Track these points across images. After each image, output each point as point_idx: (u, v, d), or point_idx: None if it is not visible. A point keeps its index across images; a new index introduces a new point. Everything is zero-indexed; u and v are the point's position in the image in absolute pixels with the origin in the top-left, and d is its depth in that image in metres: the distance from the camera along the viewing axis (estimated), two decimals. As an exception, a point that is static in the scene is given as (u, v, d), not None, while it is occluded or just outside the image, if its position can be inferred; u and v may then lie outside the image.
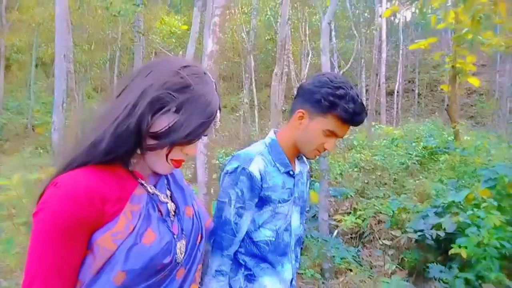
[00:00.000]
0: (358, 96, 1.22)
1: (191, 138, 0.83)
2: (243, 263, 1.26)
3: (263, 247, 1.26)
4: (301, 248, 1.40)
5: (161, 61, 0.89)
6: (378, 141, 10.35)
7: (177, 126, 0.81)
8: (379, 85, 14.90)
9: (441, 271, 3.81)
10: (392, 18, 15.09)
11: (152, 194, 0.89)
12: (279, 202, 1.25)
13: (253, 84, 15.23)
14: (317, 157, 1.30)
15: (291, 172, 1.30)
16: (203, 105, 0.83)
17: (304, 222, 1.40)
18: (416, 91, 21.49)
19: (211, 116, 0.85)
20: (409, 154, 8.43)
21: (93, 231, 0.78)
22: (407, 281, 4.02)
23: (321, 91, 1.21)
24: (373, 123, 11.86)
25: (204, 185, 2.74)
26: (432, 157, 8.58)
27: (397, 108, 17.28)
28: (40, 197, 0.79)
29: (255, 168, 1.22)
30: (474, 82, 9.62)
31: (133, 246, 0.78)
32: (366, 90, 16.21)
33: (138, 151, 0.86)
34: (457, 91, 10.12)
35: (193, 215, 0.96)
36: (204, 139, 2.90)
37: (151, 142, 0.83)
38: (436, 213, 4.85)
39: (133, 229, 0.80)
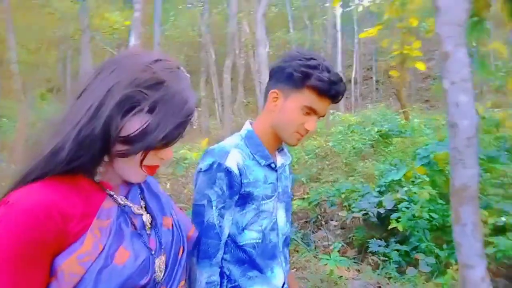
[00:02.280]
0: (331, 66, 1.14)
1: (167, 141, 0.74)
2: (227, 273, 1.13)
3: (250, 251, 1.13)
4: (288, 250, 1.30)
5: (128, 55, 0.80)
6: (335, 128, 10.67)
7: (151, 128, 0.72)
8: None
9: (379, 246, 4.05)
10: (346, 8, 15.47)
11: (124, 206, 0.79)
12: (262, 199, 1.14)
13: (214, 78, 15.19)
14: (300, 141, 1.18)
15: (272, 165, 1.18)
16: (180, 103, 0.74)
17: (290, 220, 1.29)
18: (374, 78, 22.20)
19: (189, 115, 0.75)
20: (364, 139, 8.76)
21: (55, 255, 0.67)
22: (354, 258, 4.24)
23: (292, 64, 1.12)
24: (331, 111, 12.18)
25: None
26: (385, 140, 8.96)
27: (355, 95, 17.79)
28: None
29: (232, 162, 1.09)
30: (421, 67, 10.11)
31: (103, 268, 0.69)
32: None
33: (106, 159, 0.76)
34: (405, 76, 10.58)
35: (172, 226, 0.86)
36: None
37: (121, 147, 0.73)
38: (380, 192, 5.14)
39: (103, 249, 0.70)
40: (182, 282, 0.87)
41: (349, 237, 4.94)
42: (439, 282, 3.36)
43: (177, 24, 16.02)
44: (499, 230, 3.63)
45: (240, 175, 1.10)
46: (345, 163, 7.42)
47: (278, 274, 1.19)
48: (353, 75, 17.57)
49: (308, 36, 15.71)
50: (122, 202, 0.79)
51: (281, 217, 1.22)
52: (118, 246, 0.72)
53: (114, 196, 0.78)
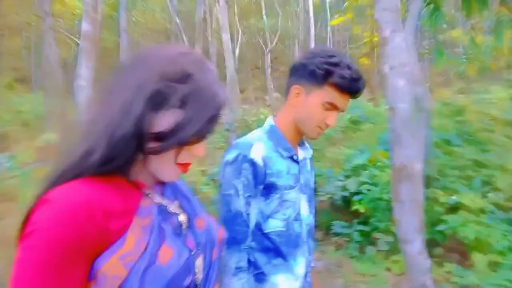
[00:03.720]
0: (352, 63, 1.17)
1: (200, 135, 0.72)
2: (253, 260, 1.18)
3: (274, 239, 1.18)
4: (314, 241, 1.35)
5: (153, 49, 0.78)
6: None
7: (184, 123, 0.70)
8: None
9: (343, 227, 4.21)
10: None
11: (160, 204, 0.77)
12: (285, 188, 1.19)
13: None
14: (320, 135, 1.22)
15: (294, 157, 1.23)
16: (210, 96, 0.72)
17: (314, 212, 1.33)
18: (348, 65, 22.29)
19: (220, 108, 0.73)
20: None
21: (95, 256, 0.64)
22: (319, 240, 4.37)
23: (314, 61, 1.16)
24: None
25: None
26: (355, 126, 9.16)
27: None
28: (27, 219, 0.65)
29: (257, 154, 1.15)
30: (389, 53, 10.34)
31: (147, 268, 0.66)
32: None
33: (140, 157, 0.73)
34: (375, 64, 10.79)
35: (205, 228, 0.84)
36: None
37: (154, 144, 0.70)
38: (346, 176, 5.29)
39: (146, 248, 0.67)
40: (216, 287, 0.84)
41: (315, 220, 5.08)
42: (397, 259, 3.54)
43: (145, 10, 15.65)
44: (454, 209, 3.84)
45: (264, 166, 1.15)
46: (315, 149, 7.55)
47: (300, 263, 1.23)
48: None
49: (281, 23, 15.70)
50: (158, 201, 0.77)
51: (304, 208, 1.26)
52: (160, 244, 0.70)
53: (150, 195, 0.76)
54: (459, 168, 4.96)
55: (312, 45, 15.20)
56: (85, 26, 2.58)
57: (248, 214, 1.14)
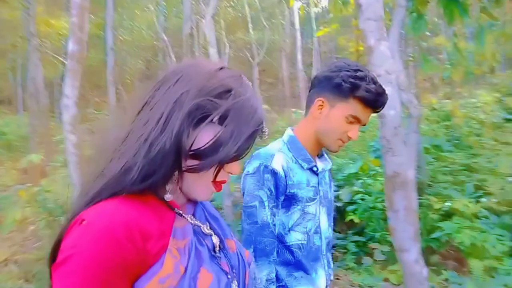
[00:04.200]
0: (376, 78, 1.19)
1: (240, 152, 0.69)
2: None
3: (296, 252, 1.18)
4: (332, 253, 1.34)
5: (190, 64, 0.75)
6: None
7: (224, 140, 0.66)
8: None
9: (337, 238, 4.15)
10: (307, 8, 15.76)
11: (194, 225, 0.74)
12: (306, 201, 1.18)
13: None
14: (341, 148, 1.23)
15: (314, 169, 1.23)
16: (250, 111, 0.69)
17: (332, 224, 1.32)
18: (336, 76, 22.56)
19: (260, 124, 0.71)
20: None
21: (135, 279, 0.61)
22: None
23: (340, 75, 1.16)
24: (293, 109, 12.36)
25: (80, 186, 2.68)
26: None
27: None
28: (61, 242, 0.62)
29: (278, 164, 1.15)
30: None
31: None
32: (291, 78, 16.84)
33: (175, 175, 0.70)
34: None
35: (236, 250, 0.81)
36: (73, 138, 2.83)
37: (192, 162, 0.67)
38: (338, 186, 5.26)
39: (185, 271, 0.64)
40: None
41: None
42: (394, 269, 3.49)
43: (133, 28, 15.70)
44: (448, 215, 3.83)
45: (285, 176, 1.15)
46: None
47: (321, 276, 1.23)
48: (313, 73, 17.98)
49: (267, 36, 15.86)
50: (192, 222, 0.73)
51: (324, 221, 1.25)
52: (199, 268, 0.67)
53: (183, 215, 0.72)
54: (451, 174, 4.99)
55: (299, 57, 15.35)
56: (72, 46, 2.55)
57: (274, 225, 1.14)
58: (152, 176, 0.65)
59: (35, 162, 5.24)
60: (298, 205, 1.17)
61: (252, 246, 1.13)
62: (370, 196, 4.27)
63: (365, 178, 4.61)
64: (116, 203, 0.63)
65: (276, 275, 1.16)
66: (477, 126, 6.95)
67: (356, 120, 1.18)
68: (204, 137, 0.66)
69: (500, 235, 3.26)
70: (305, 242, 1.19)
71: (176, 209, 0.72)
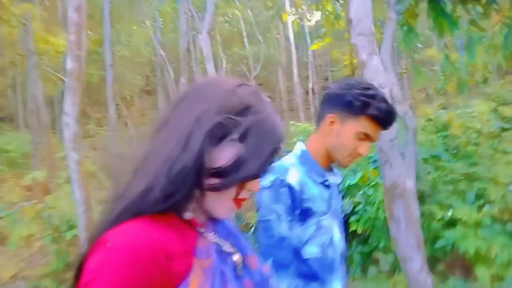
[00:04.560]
0: (386, 96, 1.23)
1: (262, 170, 0.69)
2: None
3: (312, 264, 1.20)
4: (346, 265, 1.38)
5: (209, 81, 0.75)
6: (297, 138, 10.87)
7: (246, 158, 0.66)
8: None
9: (341, 249, 4.15)
10: (301, 22, 16.01)
11: (217, 244, 0.73)
12: (320, 214, 1.21)
13: (173, 96, 15.03)
14: (351, 163, 1.27)
15: (326, 183, 1.26)
16: (271, 128, 0.69)
17: (344, 237, 1.35)
18: (332, 88, 22.73)
19: (280, 141, 0.70)
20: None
21: None
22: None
23: (352, 93, 1.20)
24: (292, 122, 12.41)
25: (83, 202, 2.70)
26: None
27: (314, 105, 18.30)
28: (83, 264, 0.61)
29: (293, 178, 1.18)
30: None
31: None
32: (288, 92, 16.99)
33: (196, 194, 0.69)
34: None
35: (258, 267, 0.80)
36: (75, 156, 2.86)
37: (214, 180, 0.67)
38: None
39: None
40: None
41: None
42: (399, 279, 3.49)
43: (130, 44, 15.87)
44: (451, 224, 3.84)
45: (300, 190, 1.17)
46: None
47: (337, 287, 1.25)
48: (310, 86, 18.11)
49: (263, 50, 16.06)
50: (214, 240, 0.72)
51: (337, 234, 1.28)
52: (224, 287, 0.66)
53: (205, 233, 0.71)
54: (451, 183, 5.01)
55: (295, 70, 15.51)
56: (70, 64, 2.60)
57: (290, 239, 1.16)
58: (174, 196, 0.64)
59: (38, 179, 5.25)
60: (312, 219, 1.20)
61: (271, 259, 1.15)
62: (371, 206, 4.29)
63: (366, 188, 4.63)
64: (139, 224, 0.63)
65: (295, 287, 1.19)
66: (474, 135, 6.99)
67: (366, 137, 1.21)
68: (225, 155, 0.66)
69: (504, 243, 3.27)
70: (321, 255, 1.21)
71: (198, 228, 0.71)
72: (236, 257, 0.75)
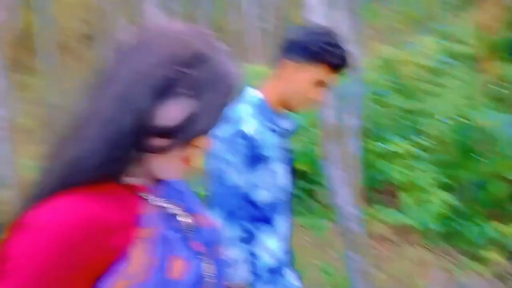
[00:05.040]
0: (342, 42, 1.23)
1: (214, 125, 0.62)
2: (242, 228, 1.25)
3: (262, 208, 1.25)
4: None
5: (155, 29, 0.65)
6: (250, 83, 10.76)
7: (197, 114, 0.59)
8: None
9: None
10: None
11: (161, 208, 0.67)
12: (273, 160, 1.24)
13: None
14: (307, 109, 1.29)
15: (279, 129, 1.28)
16: (223, 79, 0.61)
17: (292, 179, 1.39)
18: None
19: (235, 92, 0.63)
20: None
21: (96, 278, 0.54)
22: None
23: (308, 39, 1.20)
24: (245, 65, 12.21)
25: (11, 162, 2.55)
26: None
27: (269, 47, 17.91)
28: (3, 246, 0.54)
29: (248, 127, 1.19)
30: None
31: (160, 286, 0.58)
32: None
33: (136, 156, 0.61)
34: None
35: (210, 225, 0.75)
36: (2, 111, 2.67)
37: (159, 141, 0.59)
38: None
39: (154, 263, 0.58)
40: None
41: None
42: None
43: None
44: (388, 157, 4.11)
45: (256, 139, 1.19)
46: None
47: (285, 226, 1.32)
48: (265, 26, 17.64)
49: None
50: (159, 204, 0.66)
51: (287, 177, 1.32)
52: (168, 256, 0.61)
53: (148, 198, 0.65)
54: (393, 119, 5.27)
55: (247, 8, 14.87)
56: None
57: (241, 186, 1.19)
58: (112, 161, 0.58)
59: None
60: (265, 165, 1.23)
61: (222, 208, 1.19)
62: (316, 144, 4.46)
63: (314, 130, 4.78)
64: (70, 198, 0.56)
65: (244, 231, 1.23)
66: (421, 72, 7.24)
67: (323, 83, 1.23)
68: (173, 113, 0.59)
69: (429, 170, 3.60)
70: (271, 199, 1.26)
71: (140, 193, 0.65)
72: (182, 218, 0.70)
